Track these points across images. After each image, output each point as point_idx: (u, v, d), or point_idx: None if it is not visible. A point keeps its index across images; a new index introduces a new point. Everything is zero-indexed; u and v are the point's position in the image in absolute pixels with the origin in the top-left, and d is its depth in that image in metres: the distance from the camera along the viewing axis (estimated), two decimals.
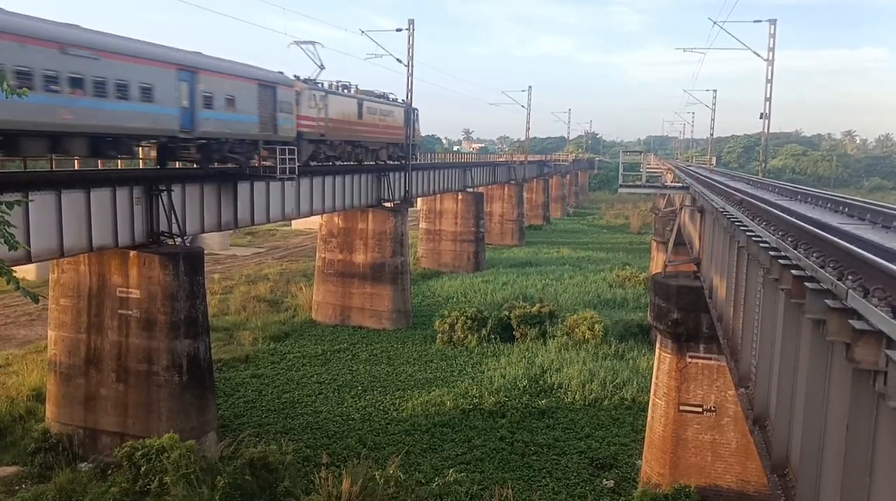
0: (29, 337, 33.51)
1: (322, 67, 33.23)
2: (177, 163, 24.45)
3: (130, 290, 21.19)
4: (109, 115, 18.52)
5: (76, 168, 21.94)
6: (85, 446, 21.64)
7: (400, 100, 40.91)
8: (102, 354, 21.56)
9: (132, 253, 21.11)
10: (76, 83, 17.39)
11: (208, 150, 23.68)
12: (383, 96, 39.44)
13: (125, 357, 21.28)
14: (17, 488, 19.70)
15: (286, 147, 25.73)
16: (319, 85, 32.63)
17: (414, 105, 41.31)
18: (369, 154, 37.52)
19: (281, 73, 28.37)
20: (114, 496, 18.12)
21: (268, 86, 25.97)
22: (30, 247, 17.64)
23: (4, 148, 17.07)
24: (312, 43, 33.23)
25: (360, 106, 35.66)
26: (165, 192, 21.96)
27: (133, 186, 21.22)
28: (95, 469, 20.43)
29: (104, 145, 19.64)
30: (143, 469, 17.92)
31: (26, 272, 42.73)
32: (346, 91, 35.13)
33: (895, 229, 8.91)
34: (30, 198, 17.40)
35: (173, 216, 22.18)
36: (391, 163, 39.92)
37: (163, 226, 22.05)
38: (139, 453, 18.16)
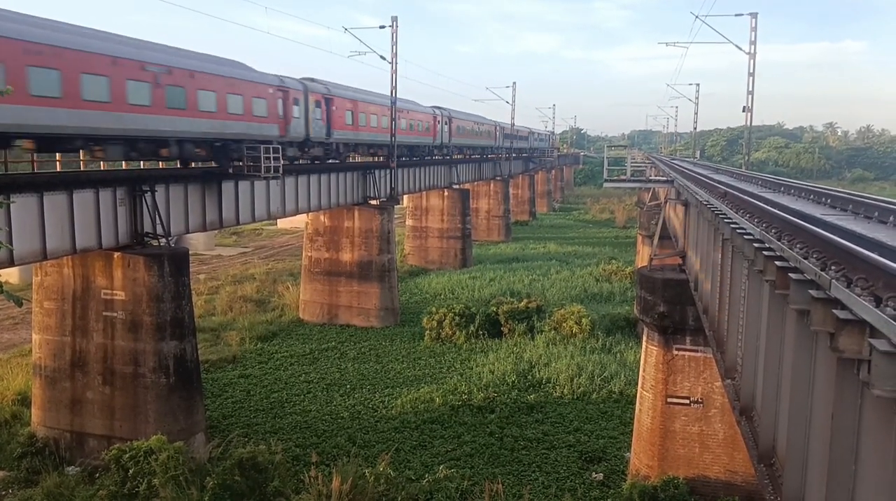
0: (13, 341, 33.18)
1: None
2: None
3: (115, 292, 21.02)
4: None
5: (58, 170, 21.75)
6: (72, 450, 21.46)
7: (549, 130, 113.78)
8: (88, 357, 21.38)
9: (116, 254, 20.94)
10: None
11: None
12: (550, 133, 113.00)
13: (111, 359, 21.12)
14: (3, 493, 19.53)
15: (270, 146, 25.68)
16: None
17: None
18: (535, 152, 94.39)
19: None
20: (102, 499, 17.96)
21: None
22: (12, 248, 17.45)
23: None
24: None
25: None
26: (149, 193, 21.80)
27: (116, 187, 21.03)
28: (83, 473, 20.28)
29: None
30: (131, 471, 17.78)
31: (9, 275, 42.30)
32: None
33: (877, 219, 9.00)
34: (11, 199, 17.21)
35: (157, 217, 22.02)
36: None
37: (147, 227, 21.88)
38: (127, 455, 18.02)
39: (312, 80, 32.25)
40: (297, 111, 28.88)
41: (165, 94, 20.96)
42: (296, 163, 31.23)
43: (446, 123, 52.54)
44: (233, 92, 24.19)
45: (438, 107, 51.49)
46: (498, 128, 71.54)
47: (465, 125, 59.11)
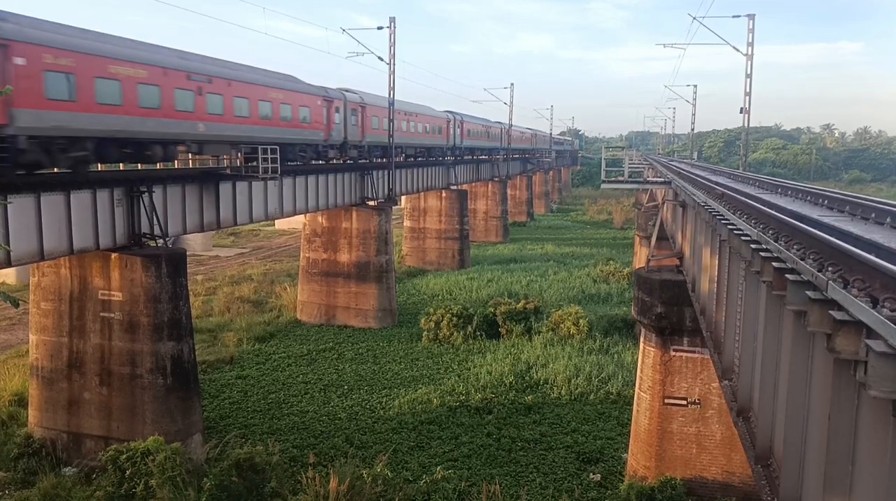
0: (10, 342, 33.11)
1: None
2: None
3: (112, 293, 20.99)
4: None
5: (55, 170, 21.70)
6: (69, 450, 21.43)
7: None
8: (85, 358, 21.34)
9: (114, 255, 20.90)
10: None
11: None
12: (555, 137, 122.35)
13: (108, 360, 21.09)
14: (0, 494, 19.49)
15: (268, 147, 25.67)
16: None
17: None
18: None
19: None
20: (99, 500, 17.96)
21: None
22: (9, 249, 17.43)
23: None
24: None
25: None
26: (147, 194, 21.78)
27: (114, 188, 21.02)
28: (80, 474, 20.24)
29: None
30: (128, 472, 17.77)
31: (6, 276, 42.25)
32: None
33: (873, 220, 9.01)
34: (8, 200, 17.19)
35: (155, 217, 21.99)
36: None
37: (144, 228, 21.86)
38: (124, 456, 18.00)
39: None
40: None
41: None
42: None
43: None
44: None
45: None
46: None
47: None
